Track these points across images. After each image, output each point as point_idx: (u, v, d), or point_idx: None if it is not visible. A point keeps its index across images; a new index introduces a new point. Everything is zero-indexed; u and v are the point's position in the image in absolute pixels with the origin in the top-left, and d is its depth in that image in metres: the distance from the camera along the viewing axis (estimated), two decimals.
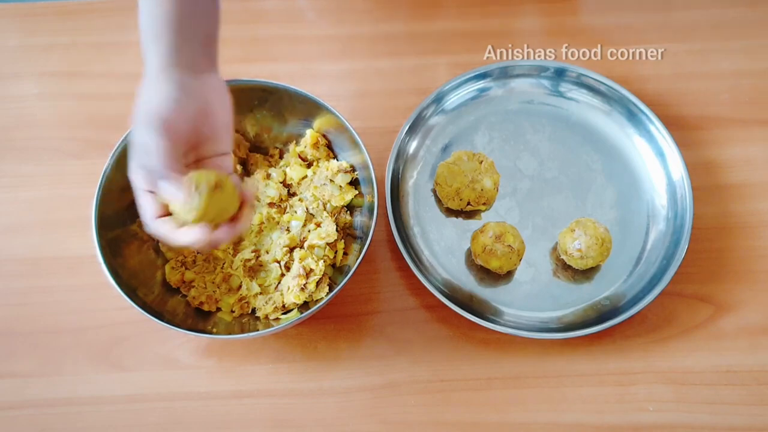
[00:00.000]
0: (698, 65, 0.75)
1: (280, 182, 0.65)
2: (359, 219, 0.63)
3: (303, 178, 0.65)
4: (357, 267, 0.57)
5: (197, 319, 0.60)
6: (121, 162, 0.61)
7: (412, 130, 0.69)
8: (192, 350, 0.62)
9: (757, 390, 0.60)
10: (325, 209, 0.63)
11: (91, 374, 0.61)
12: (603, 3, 0.80)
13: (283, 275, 0.61)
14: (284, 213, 0.64)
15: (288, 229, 0.64)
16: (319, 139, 0.65)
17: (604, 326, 0.59)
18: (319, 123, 0.65)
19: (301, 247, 0.62)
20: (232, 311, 0.61)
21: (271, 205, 0.64)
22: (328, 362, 0.61)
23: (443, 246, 0.66)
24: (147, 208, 0.49)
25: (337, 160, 0.65)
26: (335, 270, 0.62)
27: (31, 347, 0.62)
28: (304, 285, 0.59)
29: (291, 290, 0.59)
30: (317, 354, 0.62)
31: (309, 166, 0.66)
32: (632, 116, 0.69)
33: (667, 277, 0.61)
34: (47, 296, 0.64)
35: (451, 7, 0.78)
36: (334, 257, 0.62)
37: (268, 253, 0.63)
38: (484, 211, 0.67)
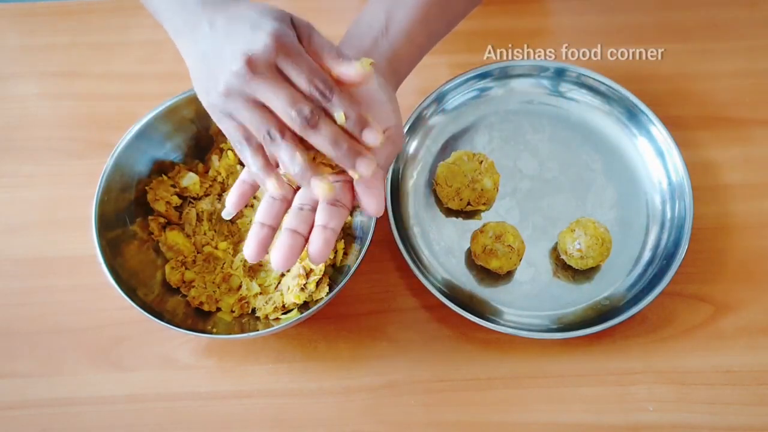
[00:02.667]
0: (698, 65, 0.75)
1: None
2: (359, 219, 0.63)
3: None
4: (357, 267, 0.57)
5: (197, 319, 0.60)
6: (121, 162, 0.61)
7: (412, 130, 0.69)
8: (192, 350, 0.62)
9: (757, 390, 0.60)
10: None
11: (91, 374, 0.61)
12: (603, 3, 0.80)
13: (283, 275, 0.61)
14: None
15: None
16: None
17: (604, 326, 0.59)
18: None
19: None
20: (232, 311, 0.61)
21: None
22: (328, 362, 0.61)
23: (443, 246, 0.66)
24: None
25: None
26: (335, 270, 0.62)
27: (31, 347, 0.62)
28: (304, 285, 0.59)
29: (291, 290, 0.59)
30: (317, 354, 0.62)
31: None
32: (632, 116, 0.69)
33: (667, 277, 0.61)
34: (47, 296, 0.64)
35: None
36: (334, 257, 0.62)
37: (268, 253, 0.63)
38: (484, 211, 0.67)
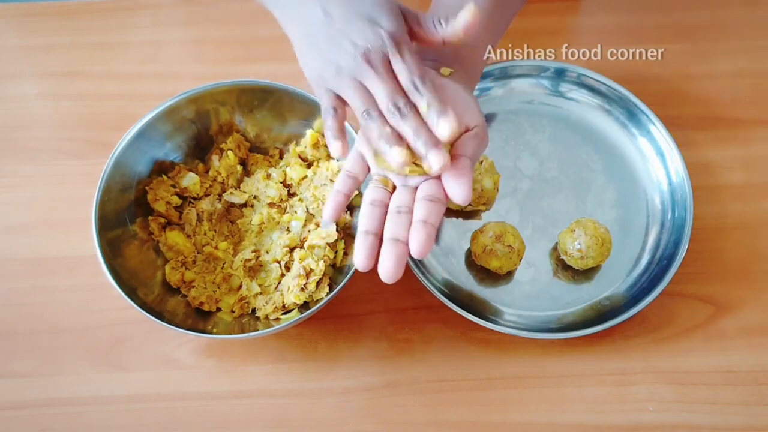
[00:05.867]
0: (698, 65, 0.75)
1: (280, 182, 0.65)
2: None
3: (303, 178, 0.65)
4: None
5: (197, 319, 0.60)
6: (121, 162, 0.61)
7: None
8: (192, 350, 0.62)
9: (757, 390, 0.60)
10: None
11: (91, 374, 0.61)
12: (603, 3, 0.80)
13: (283, 275, 0.61)
14: (284, 213, 0.64)
15: (288, 229, 0.64)
16: (320, 139, 0.65)
17: (604, 326, 0.59)
18: (319, 123, 0.65)
19: (302, 247, 0.62)
20: (232, 311, 0.61)
21: (271, 205, 0.64)
22: (328, 362, 0.61)
23: (443, 246, 0.65)
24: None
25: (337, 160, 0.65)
26: (335, 270, 0.62)
27: (31, 347, 0.62)
28: (304, 285, 0.59)
29: (291, 290, 0.59)
30: (317, 354, 0.62)
31: (309, 166, 0.66)
32: (632, 116, 0.69)
33: (667, 277, 0.61)
34: (47, 296, 0.64)
35: None
36: (334, 257, 0.62)
37: (268, 253, 0.63)
38: (484, 211, 0.67)
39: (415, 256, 0.44)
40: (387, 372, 0.61)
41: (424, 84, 0.45)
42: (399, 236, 0.45)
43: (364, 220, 0.46)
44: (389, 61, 0.45)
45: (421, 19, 0.47)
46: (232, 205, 0.65)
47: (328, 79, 0.47)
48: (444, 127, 0.44)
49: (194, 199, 0.65)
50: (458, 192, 0.45)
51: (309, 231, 0.63)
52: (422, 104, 0.44)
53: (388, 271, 0.43)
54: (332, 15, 0.47)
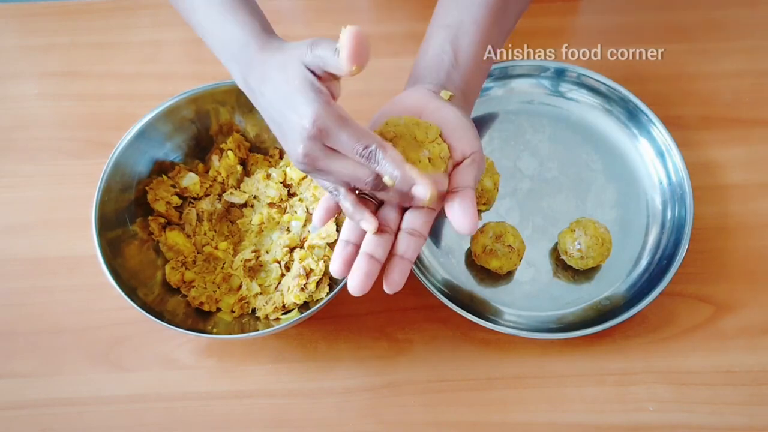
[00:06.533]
0: (698, 65, 0.75)
1: (281, 182, 0.65)
2: None
3: (303, 178, 0.65)
4: None
5: (197, 319, 0.60)
6: (121, 162, 0.61)
7: None
8: (192, 350, 0.62)
9: (757, 390, 0.60)
10: None
11: (91, 374, 0.61)
12: (603, 3, 0.80)
13: (283, 275, 0.61)
14: (284, 213, 0.64)
15: (288, 229, 0.64)
16: None
17: (604, 326, 0.59)
18: None
19: (302, 247, 0.62)
20: (232, 311, 0.61)
21: (271, 205, 0.64)
22: (328, 362, 0.61)
23: (443, 246, 0.66)
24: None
25: None
26: None
27: (32, 347, 0.62)
28: (304, 285, 0.59)
29: (291, 290, 0.59)
30: (317, 354, 0.62)
31: None
32: (632, 116, 0.69)
33: (667, 277, 0.60)
34: (48, 296, 0.64)
35: None
36: None
37: (268, 253, 0.63)
38: (484, 211, 0.67)
39: (387, 290, 0.45)
40: (387, 372, 0.61)
41: (374, 155, 0.43)
42: (374, 254, 0.45)
43: (346, 231, 0.47)
44: (329, 147, 0.44)
45: (328, 61, 0.43)
46: (232, 205, 0.65)
47: (300, 167, 0.46)
48: (420, 194, 0.43)
49: (194, 199, 0.65)
50: (464, 223, 0.46)
51: (309, 231, 0.63)
52: (386, 179, 0.44)
53: (356, 284, 0.45)
54: (268, 100, 0.46)
